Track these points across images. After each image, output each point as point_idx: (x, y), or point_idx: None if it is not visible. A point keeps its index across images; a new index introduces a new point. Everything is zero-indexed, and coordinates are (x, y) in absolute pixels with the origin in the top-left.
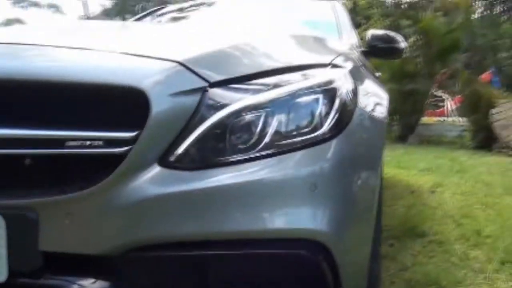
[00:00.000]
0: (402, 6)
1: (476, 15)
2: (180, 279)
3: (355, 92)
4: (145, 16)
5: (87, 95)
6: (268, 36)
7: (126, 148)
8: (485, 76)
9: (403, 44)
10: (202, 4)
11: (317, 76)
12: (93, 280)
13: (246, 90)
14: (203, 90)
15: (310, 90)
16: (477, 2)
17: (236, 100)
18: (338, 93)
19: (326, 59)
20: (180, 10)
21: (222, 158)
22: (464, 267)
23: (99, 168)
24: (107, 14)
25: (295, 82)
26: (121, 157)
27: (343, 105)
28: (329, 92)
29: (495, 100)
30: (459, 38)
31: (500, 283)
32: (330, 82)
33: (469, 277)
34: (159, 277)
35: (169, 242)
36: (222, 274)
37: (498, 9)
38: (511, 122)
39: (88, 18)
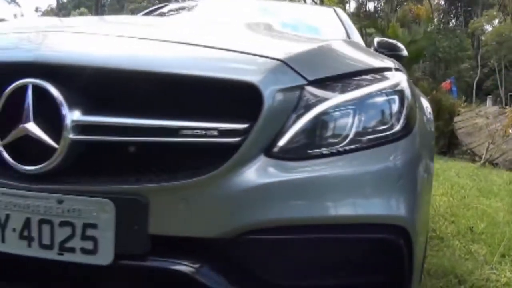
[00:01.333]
0: (361, 15)
1: (433, 27)
2: (281, 260)
3: (413, 94)
4: (147, 14)
5: (201, 88)
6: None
7: (239, 138)
8: (445, 85)
9: (405, 52)
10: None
11: (391, 78)
12: (199, 264)
13: (335, 89)
14: (302, 87)
15: (386, 90)
16: (435, 14)
17: (327, 98)
18: (406, 94)
19: (390, 63)
20: (187, 8)
21: (317, 150)
22: (470, 259)
23: (213, 157)
24: (63, 7)
25: (372, 83)
26: (234, 146)
27: (410, 105)
28: (401, 93)
29: (457, 109)
30: (423, 48)
31: (506, 273)
32: (400, 84)
33: (477, 268)
34: (263, 259)
35: (273, 227)
36: (317, 256)
37: (453, 22)
38: (474, 129)
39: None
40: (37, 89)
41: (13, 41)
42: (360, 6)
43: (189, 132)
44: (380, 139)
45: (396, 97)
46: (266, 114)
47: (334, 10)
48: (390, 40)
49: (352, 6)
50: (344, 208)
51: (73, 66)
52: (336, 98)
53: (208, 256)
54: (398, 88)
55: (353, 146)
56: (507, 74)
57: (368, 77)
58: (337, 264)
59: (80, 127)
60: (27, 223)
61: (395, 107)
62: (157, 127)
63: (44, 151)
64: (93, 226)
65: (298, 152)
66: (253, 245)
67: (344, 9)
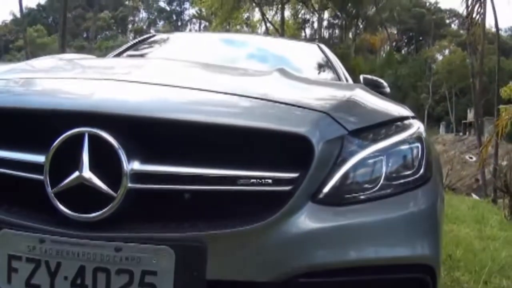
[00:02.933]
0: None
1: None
2: None
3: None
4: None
5: (254, 137)
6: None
7: (291, 186)
8: None
9: (388, 89)
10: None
11: (412, 127)
12: None
13: (368, 138)
14: (343, 137)
15: (410, 138)
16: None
17: (363, 147)
18: (426, 140)
19: (408, 112)
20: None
21: (356, 196)
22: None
23: (267, 204)
24: (17, 24)
25: (398, 132)
26: (287, 194)
27: (429, 150)
28: (421, 140)
29: None
30: (382, 77)
31: None
32: (419, 131)
33: None
34: None
35: (322, 270)
36: None
37: (405, 50)
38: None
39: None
40: (93, 138)
41: (59, 88)
42: (315, 33)
43: (245, 181)
44: (407, 184)
45: (418, 144)
46: (316, 163)
47: (318, 46)
48: (375, 78)
49: (308, 32)
50: (381, 250)
51: (129, 117)
52: (371, 147)
53: None
54: (419, 135)
55: (385, 192)
56: (457, 101)
57: (393, 126)
58: None
59: (137, 176)
60: (80, 271)
61: (418, 153)
62: (215, 176)
63: (98, 199)
64: (153, 273)
65: (339, 198)
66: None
67: (300, 35)
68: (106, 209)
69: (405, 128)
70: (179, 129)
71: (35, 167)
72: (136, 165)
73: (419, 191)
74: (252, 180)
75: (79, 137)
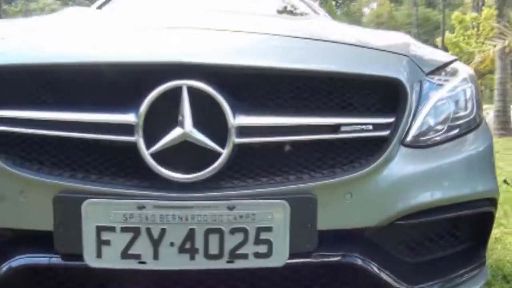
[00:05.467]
0: None
1: None
2: (411, 240)
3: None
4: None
5: (348, 84)
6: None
7: (389, 131)
8: None
9: None
10: None
11: (461, 68)
12: (357, 253)
13: (437, 80)
14: (422, 80)
15: (466, 79)
16: None
17: (436, 89)
18: (475, 80)
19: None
20: None
21: (432, 137)
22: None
23: (368, 150)
24: None
25: (456, 74)
26: (386, 139)
27: (478, 90)
28: (474, 81)
29: None
30: None
31: None
32: (470, 73)
33: None
34: (398, 241)
35: (419, 211)
36: (436, 234)
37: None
38: None
39: None
40: (191, 91)
41: (144, 41)
42: None
43: (348, 128)
44: (468, 123)
45: (472, 85)
46: (409, 107)
47: None
48: None
49: None
50: (463, 188)
51: (228, 67)
52: (442, 90)
53: (359, 245)
54: (471, 76)
55: (453, 133)
56: None
57: (449, 68)
58: (450, 237)
59: (242, 130)
60: (190, 235)
61: (472, 94)
62: (316, 125)
63: (200, 157)
64: (268, 229)
65: (422, 140)
66: (395, 230)
67: None
68: (213, 166)
69: (457, 70)
70: (274, 78)
71: (123, 128)
72: (241, 119)
73: (479, 129)
74: (355, 127)
75: (174, 91)
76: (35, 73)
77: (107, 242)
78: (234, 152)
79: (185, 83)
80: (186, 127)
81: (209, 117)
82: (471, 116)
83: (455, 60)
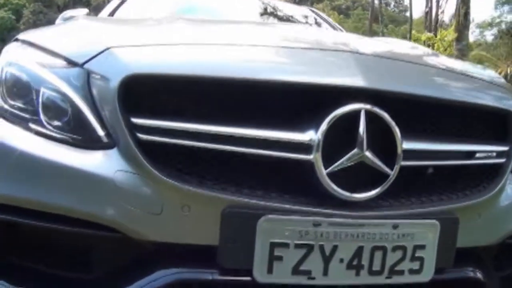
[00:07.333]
0: None
1: None
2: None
3: None
4: None
5: (464, 112)
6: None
7: (505, 159)
8: None
9: None
10: None
11: None
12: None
13: None
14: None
15: None
16: None
17: None
18: None
19: None
20: None
21: None
22: None
23: (491, 175)
24: None
25: None
26: (503, 165)
27: None
28: None
29: None
30: None
31: None
32: None
33: None
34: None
35: None
36: None
37: None
38: None
39: None
40: (368, 115)
41: (312, 62)
42: None
43: (481, 155)
44: None
45: None
46: None
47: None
48: None
49: None
50: None
51: (407, 95)
52: None
53: (473, 261)
54: None
55: None
56: None
57: None
58: None
59: (407, 153)
60: (358, 252)
61: None
62: (460, 151)
63: (369, 178)
64: (422, 247)
65: None
66: (504, 248)
67: None
68: (381, 187)
69: None
70: (432, 106)
71: (300, 146)
72: (407, 143)
73: None
74: (484, 154)
75: (350, 113)
76: (202, 85)
77: (279, 258)
78: (400, 174)
79: (363, 107)
80: (364, 148)
81: (380, 140)
82: None
83: None
